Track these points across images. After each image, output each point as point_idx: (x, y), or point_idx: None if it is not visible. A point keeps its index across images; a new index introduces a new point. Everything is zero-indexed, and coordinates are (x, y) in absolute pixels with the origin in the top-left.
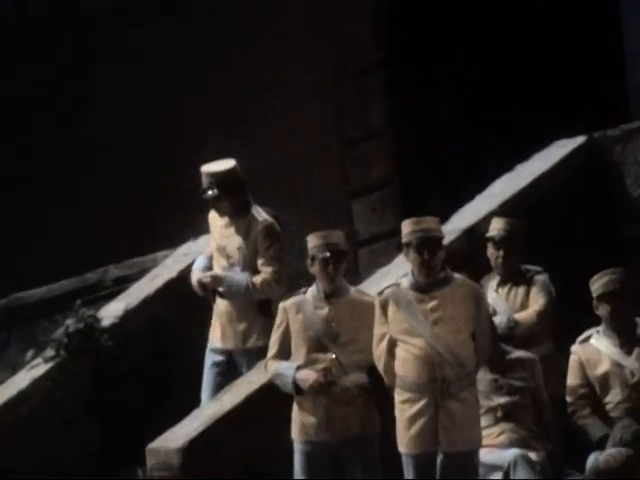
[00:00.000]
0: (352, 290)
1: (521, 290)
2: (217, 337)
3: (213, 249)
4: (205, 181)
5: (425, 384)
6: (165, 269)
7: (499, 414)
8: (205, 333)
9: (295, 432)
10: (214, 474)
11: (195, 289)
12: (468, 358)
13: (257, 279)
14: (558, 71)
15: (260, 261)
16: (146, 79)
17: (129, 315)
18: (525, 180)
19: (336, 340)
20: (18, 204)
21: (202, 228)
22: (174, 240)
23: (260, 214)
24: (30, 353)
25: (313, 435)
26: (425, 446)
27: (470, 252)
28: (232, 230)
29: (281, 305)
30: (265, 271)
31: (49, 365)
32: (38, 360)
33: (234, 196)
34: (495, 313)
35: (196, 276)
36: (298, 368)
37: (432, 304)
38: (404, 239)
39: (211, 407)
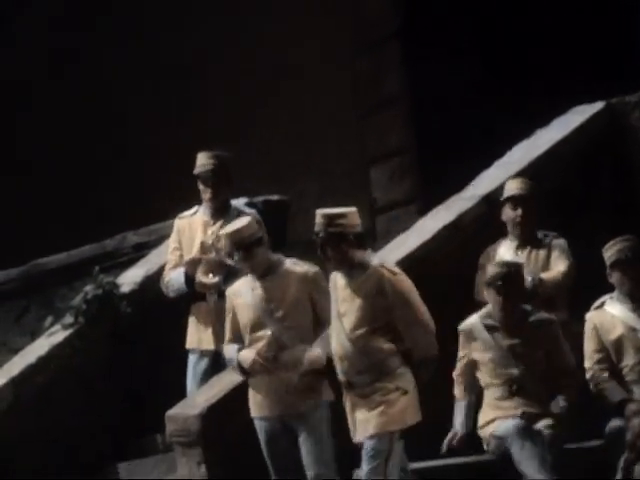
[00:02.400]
0: (287, 263)
1: (541, 254)
2: (208, 338)
3: (191, 253)
4: (208, 162)
5: (339, 375)
6: None
7: (514, 387)
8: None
9: (252, 409)
10: (232, 440)
11: (199, 288)
12: (375, 351)
13: None
14: (576, 37)
15: None
16: (162, 51)
17: (148, 282)
18: (543, 147)
19: (272, 316)
20: (36, 172)
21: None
22: (192, 206)
23: (245, 209)
24: (49, 320)
25: (266, 411)
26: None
27: (488, 219)
28: (218, 226)
29: (227, 292)
30: None
31: (68, 332)
32: (57, 327)
33: (229, 185)
34: None
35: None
36: (240, 349)
37: (344, 294)
38: None
39: (230, 374)
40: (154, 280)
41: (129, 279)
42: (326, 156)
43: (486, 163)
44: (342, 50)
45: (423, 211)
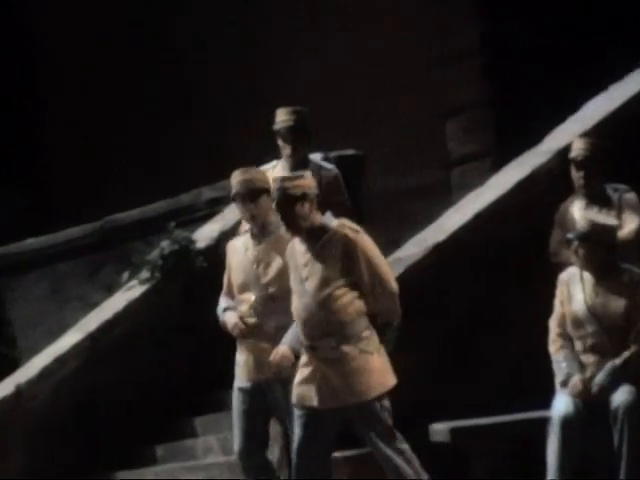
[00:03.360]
0: (282, 229)
1: (612, 212)
2: None
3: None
4: (288, 118)
5: (302, 340)
6: None
7: (588, 343)
8: None
9: (236, 373)
10: None
11: None
12: (340, 313)
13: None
14: None
15: (334, 209)
16: (239, 7)
17: (224, 237)
18: (618, 101)
19: (258, 281)
20: (113, 127)
21: None
22: (268, 161)
23: (325, 164)
24: (125, 275)
25: (246, 377)
26: (301, 399)
27: (562, 173)
28: None
29: (227, 247)
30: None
31: (144, 287)
32: (134, 282)
33: (308, 141)
34: None
35: None
36: (226, 309)
37: (305, 259)
38: None
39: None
40: (230, 235)
41: (205, 234)
42: (402, 108)
43: (561, 117)
44: (417, 2)
45: (498, 165)
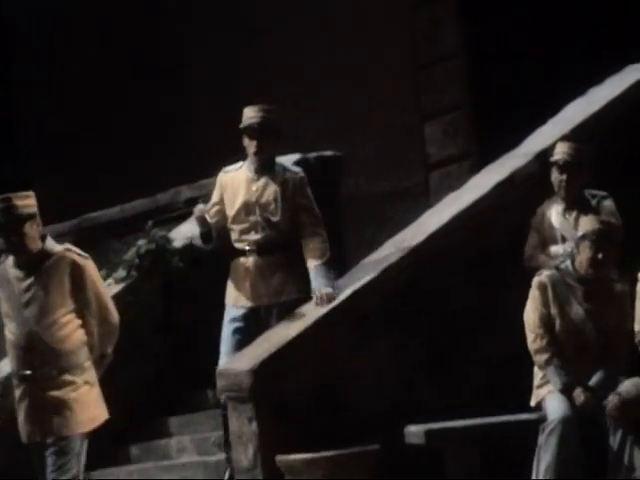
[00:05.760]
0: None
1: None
2: (246, 295)
3: (234, 210)
4: (255, 115)
5: (15, 372)
6: None
7: (583, 348)
8: None
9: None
10: (283, 395)
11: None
12: (64, 342)
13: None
14: None
15: (306, 213)
16: (223, 6)
17: None
18: (598, 104)
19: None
20: (92, 126)
21: None
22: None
23: (291, 167)
24: (102, 274)
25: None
26: (27, 435)
27: (541, 176)
28: (262, 183)
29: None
30: (318, 229)
31: (120, 286)
32: (109, 281)
33: (276, 140)
34: (564, 239)
35: None
36: None
37: (26, 284)
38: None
39: (280, 331)
40: None
41: (181, 234)
42: (381, 110)
43: (540, 120)
44: (400, 5)
45: (477, 167)
